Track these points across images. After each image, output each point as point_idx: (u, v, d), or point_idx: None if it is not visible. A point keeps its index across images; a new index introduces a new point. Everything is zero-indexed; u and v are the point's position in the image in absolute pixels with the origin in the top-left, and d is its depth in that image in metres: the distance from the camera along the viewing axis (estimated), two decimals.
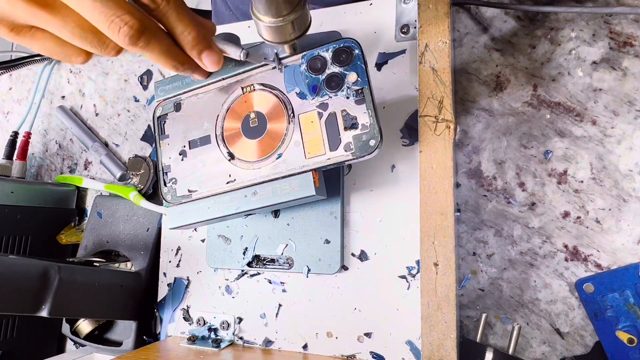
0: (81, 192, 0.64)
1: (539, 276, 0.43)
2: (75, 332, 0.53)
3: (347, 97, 0.38)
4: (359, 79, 0.38)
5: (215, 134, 0.43)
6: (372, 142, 0.37)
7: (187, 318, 0.50)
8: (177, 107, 0.44)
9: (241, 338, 0.48)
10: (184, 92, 0.44)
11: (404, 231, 0.42)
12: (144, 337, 0.51)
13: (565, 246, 0.43)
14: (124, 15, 0.26)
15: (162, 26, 0.30)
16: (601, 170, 0.42)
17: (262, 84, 0.41)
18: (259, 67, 0.41)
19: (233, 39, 0.37)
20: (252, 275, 0.48)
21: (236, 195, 0.41)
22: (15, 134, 0.63)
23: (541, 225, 0.44)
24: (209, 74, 0.36)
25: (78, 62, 0.30)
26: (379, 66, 0.45)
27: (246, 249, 0.47)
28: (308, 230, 0.45)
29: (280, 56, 0.40)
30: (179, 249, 0.52)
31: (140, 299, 0.51)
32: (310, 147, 0.39)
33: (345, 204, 0.45)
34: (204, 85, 0.43)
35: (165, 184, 0.44)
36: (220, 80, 0.43)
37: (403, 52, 0.45)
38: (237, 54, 0.34)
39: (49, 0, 0.27)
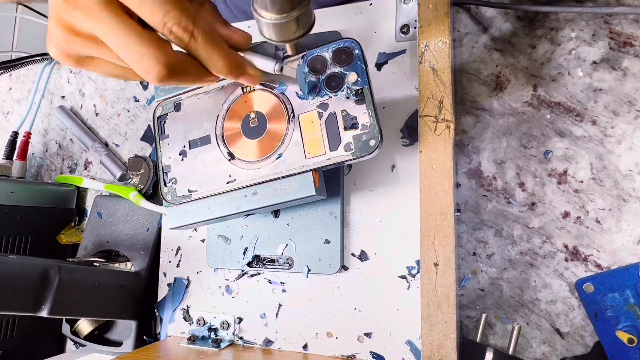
0: (81, 192, 0.64)
1: (539, 276, 0.43)
2: (75, 332, 0.53)
3: (347, 97, 0.38)
4: (359, 79, 0.38)
5: (215, 134, 0.43)
6: (372, 142, 0.37)
7: (187, 318, 0.50)
8: (177, 107, 0.44)
9: (241, 338, 0.48)
10: (184, 92, 0.44)
11: (404, 231, 0.42)
12: (144, 337, 0.51)
13: (565, 246, 0.43)
14: (151, 62, 0.28)
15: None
16: (601, 170, 0.42)
17: (262, 84, 0.41)
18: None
19: (263, 50, 0.36)
20: (252, 275, 0.48)
21: (236, 195, 0.41)
22: (15, 134, 0.63)
23: (541, 225, 0.44)
24: None
25: (138, 79, 0.32)
26: (379, 66, 0.45)
27: (246, 249, 0.47)
28: (308, 230, 0.45)
29: (285, 56, 0.39)
30: (179, 249, 0.52)
31: (140, 299, 0.51)
32: (310, 147, 0.39)
33: (345, 204, 0.45)
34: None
35: (165, 184, 0.44)
36: (220, 80, 0.43)
37: (403, 52, 0.45)
38: (270, 67, 0.33)
39: (98, 39, 0.29)
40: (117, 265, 0.54)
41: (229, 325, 0.48)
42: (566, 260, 0.43)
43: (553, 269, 0.43)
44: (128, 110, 0.62)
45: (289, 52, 0.38)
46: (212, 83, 0.33)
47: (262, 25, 0.30)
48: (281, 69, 0.35)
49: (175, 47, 0.29)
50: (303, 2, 0.29)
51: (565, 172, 0.43)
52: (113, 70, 0.31)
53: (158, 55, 0.28)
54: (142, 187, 0.55)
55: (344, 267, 0.44)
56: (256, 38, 0.37)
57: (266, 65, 0.34)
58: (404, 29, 0.44)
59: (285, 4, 0.28)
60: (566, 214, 0.43)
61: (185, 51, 0.30)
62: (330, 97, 0.39)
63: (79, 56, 0.30)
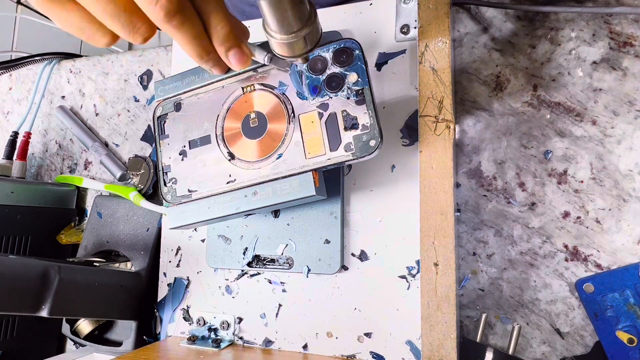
0: (81, 192, 0.64)
1: (539, 276, 0.43)
2: (75, 332, 0.53)
3: (348, 98, 0.38)
4: (359, 79, 0.38)
5: (216, 134, 0.43)
6: (372, 143, 0.37)
7: (187, 318, 0.50)
8: (177, 107, 0.44)
9: (241, 338, 0.48)
10: (184, 92, 0.44)
11: (404, 231, 0.42)
12: (144, 337, 0.51)
13: (565, 246, 0.43)
14: None
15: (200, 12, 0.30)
16: (601, 170, 0.42)
17: (262, 84, 0.41)
18: (260, 66, 0.41)
19: (259, 43, 0.37)
20: (252, 275, 0.48)
21: (236, 195, 0.41)
22: (15, 134, 0.63)
23: (541, 225, 0.44)
24: (227, 71, 0.36)
25: (102, 43, 0.29)
26: (379, 66, 0.45)
27: (246, 249, 0.47)
28: (308, 230, 0.45)
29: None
30: (179, 249, 0.52)
31: (140, 299, 0.51)
32: (311, 147, 0.39)
33: (345, 204, 0.45)
34: (204, 85, 0.43)
35: (165, 184, 0.44)
36: (220, 80, 0.43)
37: (403, 52, 0.45)
38: (261, 57, 0.34)
39: None
40: (117, 265, 0.54)
41: (229, 325, 0.48)
42: (566, 260, 0.43)
43: (553, 269, 0.43)
44: (128, 110, 0.62)
45: (301, 63, 0.39)
46: (201, 53, 0.31)
47: (272, 43, 0.32)
48: (271, 60, 0.35)
49: None
50: (309, 21, 0.30)
51: (565, 172, 0.43)
52: (80, 22, 0.28)
53: None
54: (142, 187, 0.55)
55: (344, 267, 0.44)
56: (256, 38, 0.37)
57: (258, 55, 0.34)
58: (404, 29, 0.44)
59: (293, 25, 0.30)
60: (566, 214, 0.43)
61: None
62: (331, 98, 0.39)
63: None
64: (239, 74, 0.42)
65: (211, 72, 0.34)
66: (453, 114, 0.39)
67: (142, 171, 0.56)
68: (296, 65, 0.40)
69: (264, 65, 0.40)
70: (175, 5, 0.26)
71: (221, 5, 0.30)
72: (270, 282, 0.47)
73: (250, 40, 0.36)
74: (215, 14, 0.30)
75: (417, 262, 0.42)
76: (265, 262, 0.47)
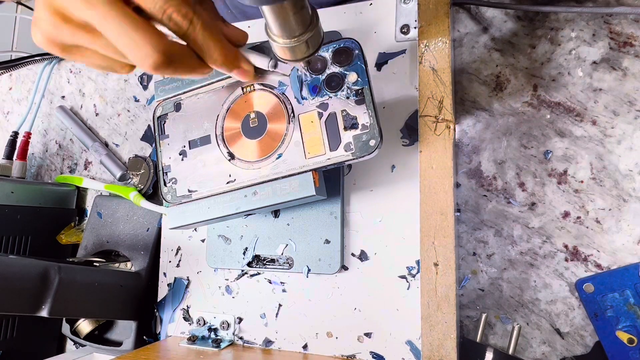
0: (81, 192, 0.64)
1: (539, 276, 0.43)
2: (75, 332, 0.53)
3: (347, 97, 0.38)
4: (359, 79, 0.38)
5: (215, 134, 0.43)
6: (372, 142, 0.37)
7: (187, 318, 0.50)
8: (177, 107, 0.44)
9: (241, 338, 0.48)
10: (184, 92, 0.44)
11: (404, 231, 0.42)
12: (144, 337, 0.51)
13: (565, 246, 0.43)
14: (148, 49, 0.28)
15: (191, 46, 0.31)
16: (601, 170, 0.42)
17: (262, 84, 0.41)
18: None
19: (259, 48, 0.37)
20: (252, 275, 0.48)
21: (236, 195, 0.41)
22: (15, 134, 0.63)
23: (541, 225, 0.44)
24: None
25: (124, 72, 0.32)
26: (379, 66, 0.45)
27: (246, 249, 0.47)
28: (308, 230, 0.45)
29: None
30: (179, 249, 0.52)
31: (140, 299, 0.51)
32: (310, 147, 0.39)
33: (345, 204, 0.45)
34: (204, 85, 0.43)
35: (165, 184, 0.44)
36: (220, 80, 0.43)
37: (403, 52, 0.45)
38: (265, 64, 0.34)
39: (89, 25, 0.28)
40: (117, 265, 0.54)
41: (229, 325, 0.48)
42: (566, 260, 0.43)
43: (553, 269, 0.43)
44: (128, 110, 0.62)
45: (302, 66, 0.40)
46: (205, 75, 0.33)
47: (275, 47, 0.32)
48: (275, 66, 0.36)
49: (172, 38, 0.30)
50: (311, 25, 0.31)
51: (565, 172, 0.43)
52: (99, 60, 0.31)
53: (155, 43, 0.28)
54: (142, 187, 0.55)
55: (344, 267, 0.44)
56: (256, 38, 0.37)
57: (261, 61, 0.34)
58: (404, 29, 0.44)
59: (295, 29, 0.30)
60: (566, 214, 0.43)
61: (182, 41, 0.30)
62: (330, 97, 0.39)
63: (65, 44, 0.30)
64: None
65: None
66: (453, 114, 0.39)
67: (142, 171, 0.56)
68: (297, 70, 0.40)
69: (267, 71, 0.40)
70: (161, 62, 0.28)
71: (209, 35, 0.30)
72: (270, 282, 0.47)
73: (253, 40, 0.36)
74: (206, 47, 0.31)
75: (417, 262, 0.42)
76: (265, 262, 0.47)
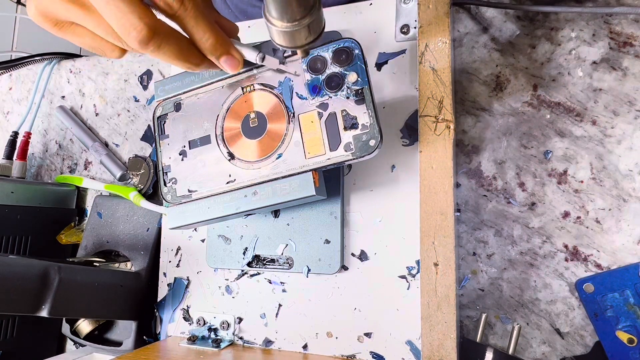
0: (81, 192, 0.64)
1: (539, 276, 0.43)
2: (75, 332, 0.53)
3: (347, 97, 0.38)
4: (359, 79, 0.38)
5: (215, 134, 0.43)
6: (372, 142, 0.37)
7: (187, 318, 0.50)
8: (177, 107, 0.44)
9: (241, 338, 0.48)
10: (184, 92, 0.44)
11: (404, 231, 0.42)
12: (144, 337, 0.51)
13: (565, 246, 0.43)
14: (134, 20, 0.27)
15: (182, 30, 0.31)
16: (601, 170, 0.42)
17: (262, 84, 0.41)
18: (258, 67, 0.41)
19: (259, 46, 0.37)
20: (252, 275, 0.48)
21: (236, 195, 0.41)
22: (15, 134, 0.63)
23: (541, 225, 0.44)
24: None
25: (114, 56, 0.32)
26: (379, 66, 0.45)
27: (246, 249, 0.47)
28: (308, 230, 0.45)
29: (287, 56, 0.39)
30: (179, 249, 0.52)
31: (140, 299, 0.51)
32: (310, 147, 0.39)
33: (345, 204, 0.45)
34: (204, 85, 0.43)
35: (165, 184, 0.44)
36: (220, 80, 0.43)
37: (403, 52, 0.45)
38: (253, 57, 0.34)
39: (84, 0, 0.29)
40: (117, 265, 0.54)
41: (229, 325, 0.48)
42: (566, 260, 0.43)
43: (553, 269, 0.43)
44: (128, 110, 0.62)
45: (300, 56, 0.38)
46: (194, 65, 0.32)
47: (273, 32, 0.30)
48: (262, 59, 0.35)
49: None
50: (313, 9, 0.29)
51: (565, 172, 0.43)
52: (90, 39, 0.31)
53: (142, 16, 0.28)
54: (142, 187, 0.55)
55: (344, 267, 0.44)
56: (257, 38, 0.37)
57: (249, 54, 0.34)
58: (404, 29, 0.44)
59: (296, 12, 0.28)
60: (566, 214, 0.43)
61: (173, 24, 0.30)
62: (330, 97, 0.39)
63: (58, 20, 0.30)
64: (239, 73, 0.42)
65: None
66: (453, 114, 0.39)
67: (142, 171, 0.56)
68: (289, 80, 0.40)
69: (259, 65, 0.40)
70: (145, 34, 0.28)
71: (201, 17, 0.30)
72: (270, 282, 0.47)
73: (253, 40, 0.36)
74: (197, 29, 0.30)
75: (417, 262, 0.42)
76: (265, 262, 0.47)
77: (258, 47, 0.37)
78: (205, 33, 0.31)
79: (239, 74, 0.42)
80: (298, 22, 0.29)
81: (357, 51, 0.38)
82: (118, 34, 0.29)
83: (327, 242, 0.44)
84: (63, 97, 0.67)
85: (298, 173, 0.39)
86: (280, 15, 0.29)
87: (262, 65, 0.40)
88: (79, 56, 0.68)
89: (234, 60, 0.33)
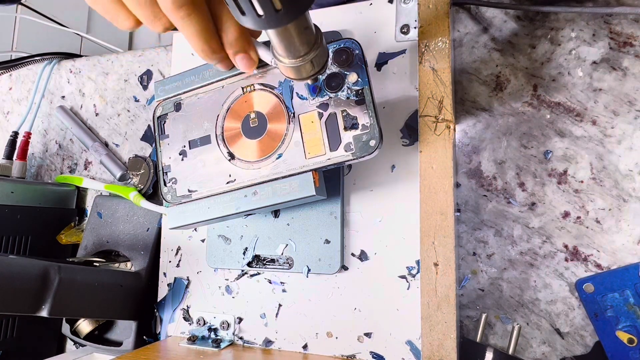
0: (81, 192, 0.64)
1: (539, 276, 0.43)
2: (75, 332, 0.53)
3: (348, 97, 0.38)
4: (359, 79, 0.38)
5: (216, 134, 0.43)
6: (372, 142, 0.37)
7: (187, 318, 0.50)
8: (177, 107, 0.44)
9: (241, 338, 0.48)
10: (184, 92, 0.44)
11: (404, 231, 0.42)
12: (144, 337, 0.51)
13: (565, 246, 0.43)
14: None
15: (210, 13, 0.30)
16: (601, 170, 0.42)
17: (262, 84, 0.41)
18: (261, 66, 0.41)
19: (267, 43, 0.37)
20: (252, 275, 0.48)
21: (236, 195, 0.41)
22: (15, 134, 0.63)
23: (541, 225, 0.44)
24: (232, 68, 0.36)
25: (125, 26, 0.30)
26: (379, 66, 0.45)
27: (246, 249, 0.47)
28: (308, 230, 0.45)
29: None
30: (179, 249, 0.52)
31: (140, 299, 0.51)
32: (311, 147, 0.39)
33: (345, 204, 0.45)
34: (204, 85, 0.43)
35: (165, 184, 0.44)
36: (220, 80, 0.43)
37: (403, 52, 0.45)
38: (269, 59, 0.34)
39: None
40: (117, 265, 0.54)
41: (229, 325, 0.48)
42: (566, 260, 0.43)
43: (553, 269, 0.43)
44: (128, 110, 0.62)
45: (309, 83, 0.40)
46: (207, 51, 0.32)
47: (281, 67, 0.32)
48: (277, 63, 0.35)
49: None
50: (315, 45, 0.31)
51: (565, 172, 0.43)
52: (108, 1, 0.29)
53: None
54: (142, 187, 0.55)
55: (344, 267, 0.44)
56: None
57: (265, 56, 0.34)
58: (404, 29, 0.44)
59: (301, 50, 0.30)
60: (566, 214, 0.43)
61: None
62: (331, 97, 0.39)
63: None
64: (239, 73, 0.42)
65: (215, 67, 0.35)
66: (453, 114, 0.39)
67: (142, 171, 0.56)
68: (289, 80, 0.40)
69: (265, 64, 0.40)
70: None
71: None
72: (270, 282, 0.47)
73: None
74: (228, 16, 0.30)
75: (417, 262, 0.42)
76: (265, 262, 0.47)
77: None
78: (233, 24, 0.31)
79: (240, 73, 0.42)
80: (302, 58, 0.31)
81: (357, 51, 0.38)
82: (147, 2, 0.27)
83: (327, 242, 0.44)
84: (63, 97, 0.67)
85: (298, 173, 0.39)
86: (286, 54, 0.31)
87: (266, 65, 0.40)
88: (79, 56, 0.68)
89: (249, 60, 0.33)
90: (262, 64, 0.38)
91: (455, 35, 0.48)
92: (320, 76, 0.39)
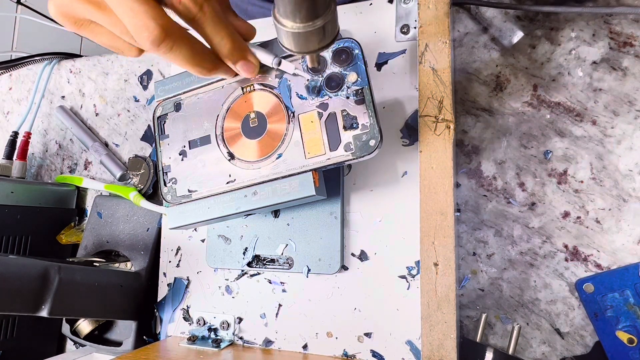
0: (81, 192, 0.64)
1: (539, 276, 0.43)
2: (75, 332, 0.53)
3: (347, 97, 0.38)
4: (359, 79, 0.38)
5: (215, 134, 0.43)
6: (372, 142, 0.37)
7: (187, 318, 0.50)
8: (177, 107, 0.44)
9: (241, 338, 0.48)
10: (184, 92, 0.44)
11: (404, 231, 0.42)
12: (144, 337, 0.51)
13: (565, 246, 0.43)
14: (146, 20, 0.28)
15: (199, 34, 0.31)
16: (601, 170, 0.42)
17: (262, 84, 0.41)
18: (270, 69, 0.41)
19: (266, 45, 0.36)
20: (252, 275, 0.48)
21: (236, 195, 0.41)
22: (15, 134, 0.63)
23: (541, 225, 0.44)
24: (237, 74, 0.36)
25: (131, 55, 0.32)
26: (379, 66, 0.45)
27: (246, 249, 0.47)
28: (308, 230, 0.45)
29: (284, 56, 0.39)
30: (179, 249, 0.52)
31: (140, 299, 0.51)
32: (310, 147, 0.39)
33: (345, 204, 0.45)
34: (204, 85, 0.43)
35: (165, 184, 0.44)
36: (220, 80, 0.43)
37: (403, 52, 0.45)
38: (269, 61, 0.33)
39: (100, 1, 0.29)
40: (117, 265, 0.54)
41: (229, 325, 0.48)
42: (566, 260, 0.43)
43: (553, 269, 0.43)
44: (128, 110, 0.62)
45: (309, 64, 0.36)
46: (205, 71, 0.32)
47: (282, 34, 0.27)
48: (279, 64, 0.35)
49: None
50: (329, 10, 0.26)
51: (565, 172, 0.43)
52: (108, 39, 0.31)
53: (156, 16, 0.28)
54: (142, 187, 0.55)
55: (344, 267, 0.44)
56: (258, 38, 0.37)
57: (265, 58, 0.34)
58: (404, 29, 0.44)
59: (310, 12, 0.25)
60: (566, 214, 0.43)
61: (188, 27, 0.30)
62: (330, 97, 0.38)
63: (77, 18, 0.31)
64: None
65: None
66: (453, 114, 0.39)
67: (142, 171, 0.56)
68: (286, 80, 0.40)
69: (270, 68, 0.40)
70: (157, 35, 0.28)
71: (219, 22, 0.30)
72: (270, 282, 0.47)
73: (253, 41, 0.36)
74: (214, 34, 0.31)
75: (417, 262, 0.42)
76: (265, 262, 0.47)
77: (272, 50, 0.36)
78: (223, 38, 0.31)
79: None
80: (311, 24, 0.25)
81: (357, 51, 0.38)
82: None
83: (327, 242, 0.44)
84: (63, 97, 0.67)
85: (298, 173, 0.39)
86: (292, 15, 0.25)
87: (271, 68, 0.39)
88: (79, 56, 0.68)
89: (250, 66, 0.34)
90: (262, 66, 0.37)
91: (455, 35, 0.48)
92: (320, 76, 0.39)
